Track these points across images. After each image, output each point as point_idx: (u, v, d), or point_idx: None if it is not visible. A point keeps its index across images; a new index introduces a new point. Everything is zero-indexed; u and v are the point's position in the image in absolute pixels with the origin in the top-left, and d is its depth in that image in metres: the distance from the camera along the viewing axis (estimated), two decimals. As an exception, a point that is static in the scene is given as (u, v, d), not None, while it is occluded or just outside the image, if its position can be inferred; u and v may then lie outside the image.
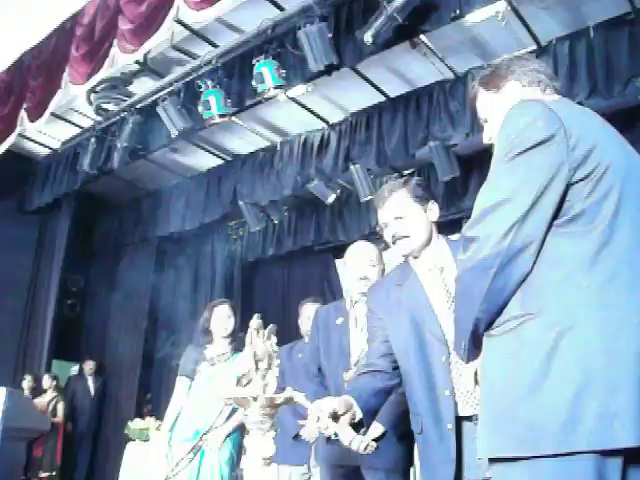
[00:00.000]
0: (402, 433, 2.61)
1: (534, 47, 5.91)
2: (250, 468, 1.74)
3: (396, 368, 2.15)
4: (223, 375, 3.84)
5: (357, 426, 2.03)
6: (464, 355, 1.61)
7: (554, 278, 1.43)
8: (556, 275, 1.43)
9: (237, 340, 3.98)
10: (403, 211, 2.18)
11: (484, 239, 1.46)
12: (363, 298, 2.96)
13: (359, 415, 2.02)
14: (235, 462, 3.89)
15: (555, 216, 1.45)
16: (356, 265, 3.11)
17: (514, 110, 1.58)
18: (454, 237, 2.43)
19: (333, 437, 2.37)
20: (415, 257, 2.23)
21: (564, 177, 1.44)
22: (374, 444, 2.41)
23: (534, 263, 1.45)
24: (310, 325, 3.56)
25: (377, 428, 2.69)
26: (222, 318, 3.97)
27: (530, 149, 1.46)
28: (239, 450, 3.93)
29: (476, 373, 1.71)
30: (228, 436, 3.81)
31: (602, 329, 1.36)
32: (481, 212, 1.50)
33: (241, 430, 3.86)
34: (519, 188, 1.45)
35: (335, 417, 1.88)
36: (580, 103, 5.66)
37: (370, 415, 2.10)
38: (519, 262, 1.44)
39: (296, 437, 4.07)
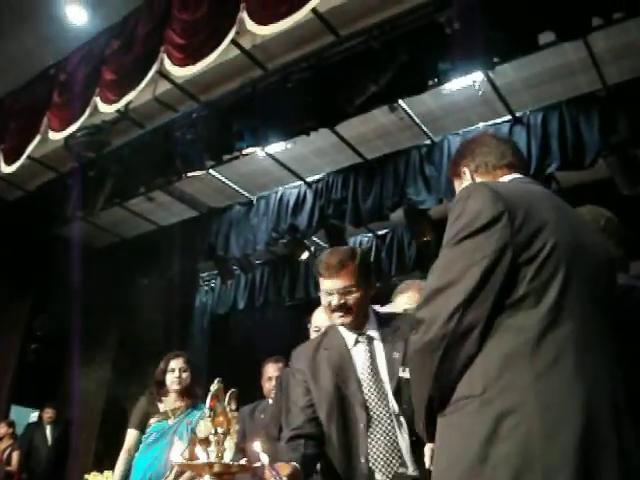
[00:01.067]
0: None
1: (509, 117, 6.06)
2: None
3: (322, 433, 2.16)
4: (174, 432, 3.77)
5: None
6: (423, 434, 1.64)
7: (498, 361, 1.43)
8: (500, 358, 1.43)
9: (192, 395, 3.92)
10: (351, 285, 2.20)
11: (430, 321, 1.49)
12: None
13: None
14: None
15: (500, 299, 1.46)
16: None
17: (460, 195, 1.62)
18: (377, 307, 2.58)
19: None
20: (352, 329, 2.29)
21: (508, 260, 1.45)
22: None
23: (480, 345, 1.46)
24: (272, 385, 3.50)
25: None
26: (176, 372, 3.88)
27: (474, 233, 1.49)
28: None
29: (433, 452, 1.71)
30: None
31: (542, 414, 1.36)
32: (428, 295, 1.53)
33: None
34: (463, 272, 1.47)
35: None
36: (550, 174, 5.84)
37: None
38: (464, 344, 1.46)
39: None
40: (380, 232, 7.86)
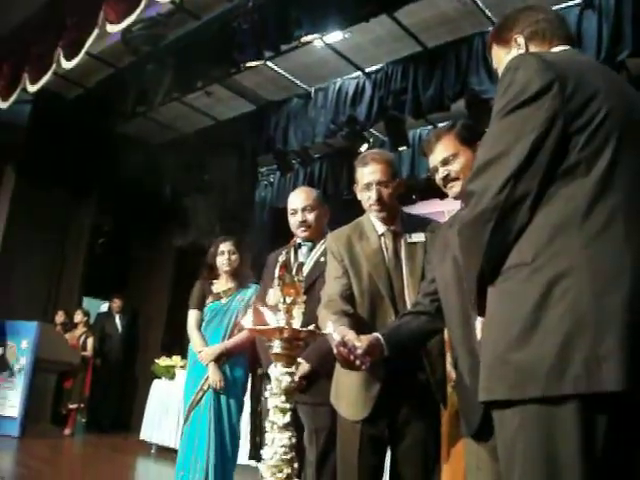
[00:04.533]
0: (329, 370, 2.66)
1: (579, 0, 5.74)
2: (271, 401, 1.78)
3: (439, 310, 2.19)
4: (229, 309, 4.00)
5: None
6: (473, 307, 1.66)
7: (548, 229, 1.43)
8: (550, 226, 1.43)
9: (241, 276, 4.09)
10: (451, 155, 2.17)
11: (482, 193, 1.48)
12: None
13: (386, 352, 2.19)
14: (242, 397, 4.01)
15: (551, 168, 1.45)
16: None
17: (510, 64, 1.57)
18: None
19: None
20: None
21: (559, 130, 1.43)
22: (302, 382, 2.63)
23: (531, 215, 1.46)
24: None
25: (304, 367, 2.75)
26: (226, 254, 4.03)
27: (524, 103, 1.46)
28: (245, 381, 4.03)
29: None
30: (227, 357, 3.90)
31: (592, 279, 1.37)
32: (479, 167, 1.52)
33: (252, 359, 3.96)
34: (514, 143, 1.46)
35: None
36: (622, 62, 5.54)
37: (398, 353, 2.23)
38: (515, 215, 1.46)
39: None
40: (440, 124, 7.68)
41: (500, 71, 1.80)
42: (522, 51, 1.72)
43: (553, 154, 1.44)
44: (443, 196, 8.03)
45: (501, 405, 1.45)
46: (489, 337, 1.53)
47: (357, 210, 2.78)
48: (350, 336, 2.13)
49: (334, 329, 1.99)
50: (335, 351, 2.13)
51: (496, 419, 1.52)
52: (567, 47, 1.70)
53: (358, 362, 2.10)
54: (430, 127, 7.86)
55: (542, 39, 1.73)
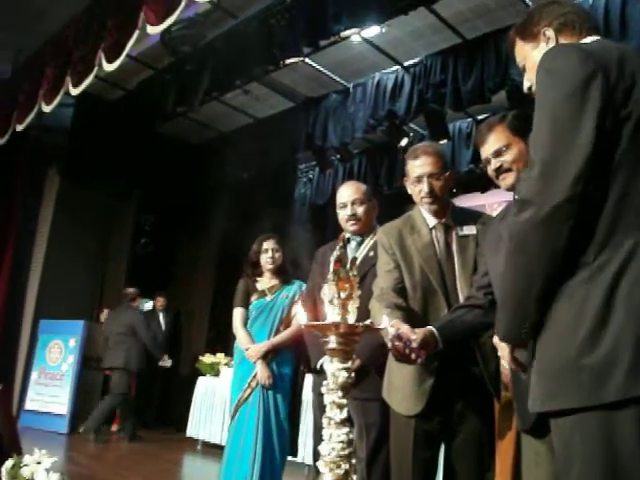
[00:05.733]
0: (379, 365, 2.67)
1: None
2: (328, 397, 1.77)
3: (493, 303, 2.17)
4: (275, 306, 4.04)
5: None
6: (522, 332, 1.56)
7: (606, 226, 1.41)
8: (608, 223, 1.41)
9: (285, 273, 4.14)
10: (503, 146, 2.15)
11: (548, 193, 1.42)
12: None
13: (440, 345, 2.20)
14: (290, 393, 4.01)
15: (610, 158, 1.42)
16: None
17: (549, 56, 1.54)
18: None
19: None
20: None
21: (611, 117, 1.41)
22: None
23: (601, 207, 1.42)
24: None
25: (354, 361, 2.74)
26: (270, 252, 4.07)
27: (570, 96, 1.44)
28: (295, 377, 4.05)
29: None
30: (274, 353, 3.92)
31: None
32: (537, 168, 1.46)
33: (299, 358, 3.98)
34: (575, 133, 1.42)
35: None
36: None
37: (452, 347, 2.25)
38: (588, 208, 1.41)
39: None
40: (480, 117, 7.60)
41: (527, 67, 1.79)
42: (552, 44, 1.70)
43: (610, 142, 1.42)
44: (484, 189, 7.97)
45: (569, 412, 1.43)
46: (551, 340, 1.49)
47: (397, 206, 2.78)
48: (405, 329, 2.13)
49: (389, 322, 1.99)
50: (390, 345, 2.13)
51: (553, 421, 1.50)
52: (598, 37, 1.68)
53: (413, 356, 2.09)
54: (470, 120, 7.80)
55: (572, 31, 1.71)
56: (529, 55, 1.78)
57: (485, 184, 7.88)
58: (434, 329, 2.21)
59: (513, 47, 1.86)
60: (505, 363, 1.74)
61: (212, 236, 10.30)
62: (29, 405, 8.18)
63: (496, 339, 1.76)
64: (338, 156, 8.81)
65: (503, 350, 1.71)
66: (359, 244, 3.17)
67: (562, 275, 1.45)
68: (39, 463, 2.10)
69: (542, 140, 1.49)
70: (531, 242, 1.45)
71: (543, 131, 1.49)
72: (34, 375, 8.31)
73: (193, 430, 7.42)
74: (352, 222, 3.15)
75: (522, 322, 1.54)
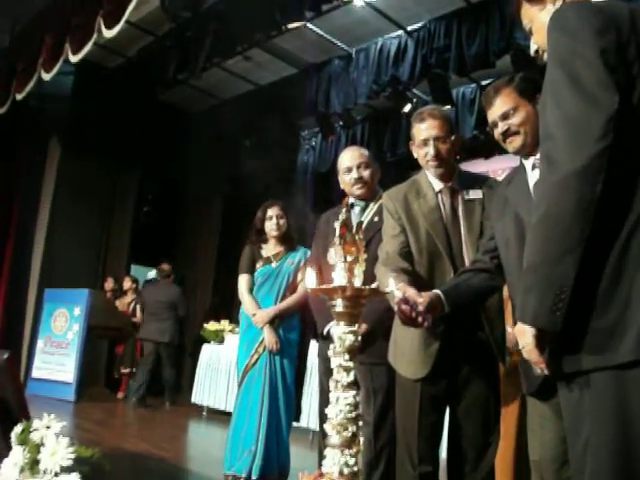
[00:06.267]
0: (385, 330, 2.67)
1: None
2: (335, 360, 1.78)
3: (499, 267, 2.16)
4: (280, 272, 4.04)
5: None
6: (558, 307, 1.41)
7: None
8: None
9: (290, 240, 4.13)
10: (511, 108, 2.11)
11: (578, 145, 1.38)
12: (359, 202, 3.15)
13: (446, 309, 2.19)
14: (296, 358, 4.04)
15: (629, 110, 1.39)
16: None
17: (560, 14, 1.51)
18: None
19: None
20: (527, 154, 2.16)
21: (625, 68, 1.40)
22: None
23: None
24: None
25: (361, 326, 2.72)
26: (274, 218, 4.05)
27: (583, 49, 1.41)
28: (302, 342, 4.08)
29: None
30: (281, 319, 3.94)
31: None
32: (558, 125, 1.43)
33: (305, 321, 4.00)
34: (592, 90, 1.39)
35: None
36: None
37: (458, 310, 2.24)
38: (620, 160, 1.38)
39: None
40: (484, 82, 7.51)
41: (534, 29, 1.76)
42: (560, 4, 1.65)
43: (629, 91, 1.40)
44: (488, 155, 7.94)
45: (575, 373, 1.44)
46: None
47: (401, 172, 2.76)
48: (411, 293, 2.13)
49: (395, 286, 1.98)
50: (396, 308, 2.13)
51: (561, 383, 1.52)
52: None
53: (420, 319, 2.09)
54: (474, 85, 7.72)
55: None
56: (536, 17, 1.74)
57: (489, 150, 7.84)
58: (440, 292, 2.20)
59: (519, 10, 1.82)
60: (525, 353, 1.54)
61: (214, 204, 10.30)
62: (36, 373, 8.24)
63: (517, 327, 1.54)
64: (341, 123, 8.76)
65: (526, 338, 1.49)
66: (363, 209, 3.15)
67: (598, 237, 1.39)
68: (48, 427, 2.11)
69: (562, 98, 1.45)
70: (565, 200, 1.39)
71: (562, 89, 1.45)
72: (40, 343, 8.35)
73: (198, 397, 7.49)
74: (359, 185, 3.12)
75: (555, 297, 1.40)
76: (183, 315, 8.17)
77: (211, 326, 7.79)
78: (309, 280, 1.78)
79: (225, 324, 7.75)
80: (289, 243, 4.13)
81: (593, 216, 1.37)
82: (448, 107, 7.39)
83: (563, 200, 1.39)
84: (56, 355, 8.06)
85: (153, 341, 7.94)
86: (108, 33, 6.70)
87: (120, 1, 6.46)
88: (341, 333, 1.76)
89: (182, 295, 8.31)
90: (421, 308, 2.09)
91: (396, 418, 2.58)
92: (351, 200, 3.18)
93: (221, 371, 7.27)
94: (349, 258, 1.77)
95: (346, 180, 3.16)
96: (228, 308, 8.99)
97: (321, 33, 7.41)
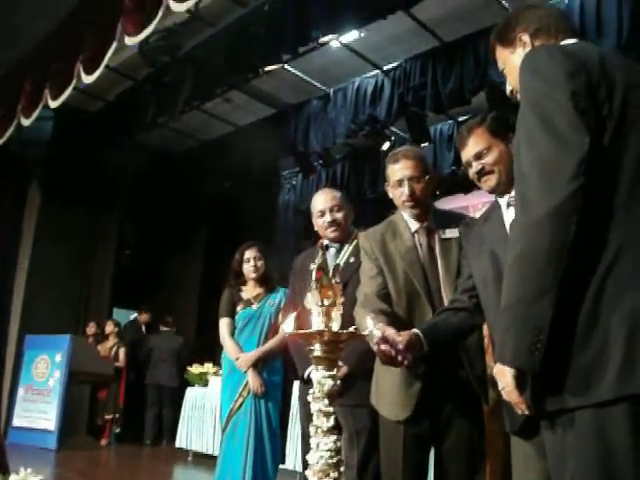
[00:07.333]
0: (366, 371, 2.64)
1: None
2: (314, 405, 1.77)
3: (478, 305, 2.16)
4: (262, 314, 4.02)
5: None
6: (535, 347, 1.41)
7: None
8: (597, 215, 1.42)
9: (269, 281, 4.11)
10: (484, 148, 2.14)
11: (549, 188, 1.40)
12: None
13: (425, 348, 2.19)
14: (281, 401, 4.02)
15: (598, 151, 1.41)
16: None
17: (532, 56, 1.56)
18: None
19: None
20: (502, 192, 2.17)
21: (592, 112, 1.42)
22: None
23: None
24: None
25: (342, 369, 2.68)
26: (252, 261, 4.04)
27: (554, 93, 1.44)
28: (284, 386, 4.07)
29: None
30: (264, 361, 3.91)
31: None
32: (532, 169, 1.45)
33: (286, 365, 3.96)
34: (563, 132, 1.41)
35: None
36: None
37: (437, 349, 2.23)
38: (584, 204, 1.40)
39: None
40: (461, 118, 7.63)
41: (507, 71, 1.82)
42: (529, 48, 1.72)
43: (599, 133, 1.43)
44: (467, 191, 7.99)
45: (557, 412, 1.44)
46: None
47: (381, 210, 2.77)
48: (390, 332, 2.13)
49: (374, 326, 1.98)
50: (376, 348, 2.12)
51: (544, 422, 1.52)
52: (575, 40, 1.69)
53: (400, 358, 2.09)
54: (451, 122, 7.84)
55: (547, 34, 1.73)
56: (508, 59, 1.81)
57: (468, 185, 7.88)
58: (419, 331, 2.20)
59: (494, 52, 1.88)
60: (505, 394, 1.55)
61: (197, 245, 10.28)
62: (17, 422, 8.10)
63: (496, 368, 1.54)
64: (321, 161, 8.82)
65: (506, 378, 1.50)
66: (338, 251, 3.16)
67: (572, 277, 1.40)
68: (26, 482, 2.07)
69: (535, 139, 1.47)
70: (539, 241, 1.40)
71: (534, 131, 1.48)
72: (21, 391, 8.22)
73: (183, 441, 7.37)
74: (333, 228, 3.13)
75: (534, 337, 1.39)
76: (184, 361, 8.61)
77: (195, 369, 7.71)
78: (287, 325, 1.77)
79: (209, 367, 7.67)
80: (268, 284, 4.11)
81: (567, 257, 1.37)
82: (426, 144, 7.49)
83: (536, 241, 1.40)
84: (37, 403, 7.93)
85: (160, 385, 8.67)
86: (87, 79, 6.73)
87: (99, 47, 6.52)
88: (320, 378, 1.75)
89: (185, 344, 9.12)
90: (400, 346, 2.09)
91: (381, 460, 2.55)
92: (326, 242, 3.19)
93: (206, 414, 7.18)
94: (326, 302, 1.77)
95: (320, 223, 3.17)
96: (211, 351, 8.91)
97: (298, 74, 7.50)
